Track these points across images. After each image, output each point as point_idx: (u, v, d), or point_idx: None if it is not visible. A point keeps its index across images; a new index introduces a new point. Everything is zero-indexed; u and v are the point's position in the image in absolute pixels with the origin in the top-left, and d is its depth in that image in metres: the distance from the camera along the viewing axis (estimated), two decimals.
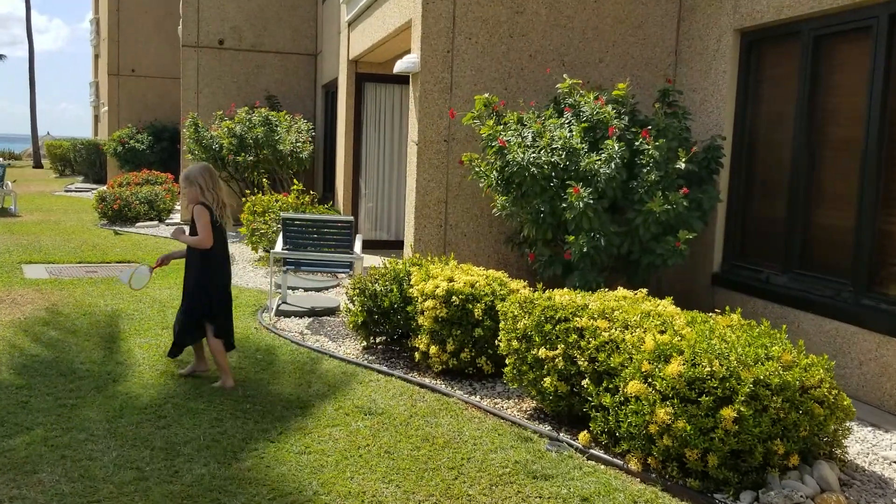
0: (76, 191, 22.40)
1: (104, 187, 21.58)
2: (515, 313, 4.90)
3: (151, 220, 14.48)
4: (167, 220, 14.74)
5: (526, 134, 5.93)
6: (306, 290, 8.75)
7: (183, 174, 5.32)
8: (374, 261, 9.39)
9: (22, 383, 5.16)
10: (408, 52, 9.94)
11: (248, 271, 9.93)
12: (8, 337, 6.27)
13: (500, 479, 4.00)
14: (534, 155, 5.69)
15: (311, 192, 11.10)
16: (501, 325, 5.04)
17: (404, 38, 8.70)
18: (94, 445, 4.23)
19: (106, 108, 23.75)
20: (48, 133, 52.52)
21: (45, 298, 7.69)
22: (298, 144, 12.41)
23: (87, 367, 5.58)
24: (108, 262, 10.15)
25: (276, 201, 10.59)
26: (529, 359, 4.73)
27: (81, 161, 26.56)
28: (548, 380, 4.61)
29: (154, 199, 14.61)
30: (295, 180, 11.17)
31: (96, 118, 37.48)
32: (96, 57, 37.18)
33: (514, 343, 4.85)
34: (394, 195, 11.42)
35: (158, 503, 3.62)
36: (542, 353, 4.63)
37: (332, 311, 7.57)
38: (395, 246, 11.15)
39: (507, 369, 4.95)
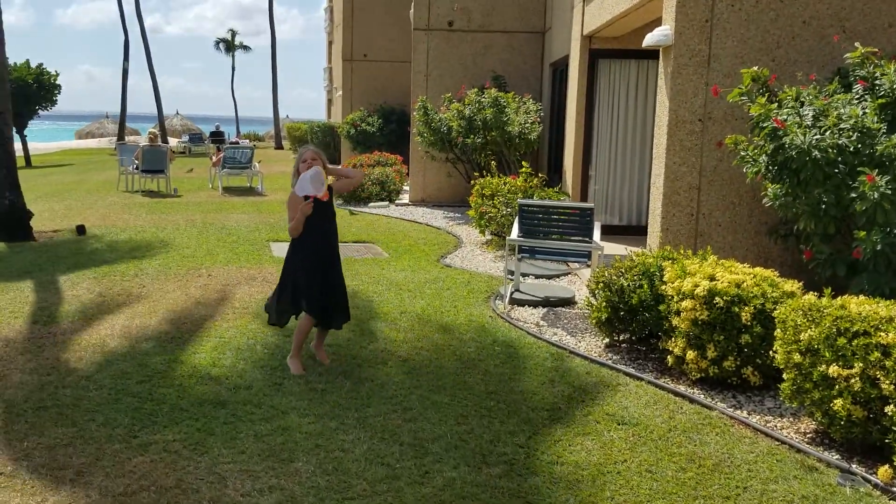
0: None
1: (338, 167, 22.79)
2: (797, 322, 4.24)
3: (382, 200, 14.94)
4: (396, 201, 15.14)
5: (805, 112, 5.16)
6: (537, 277, 8.47)
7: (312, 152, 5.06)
8: (608, 248, 8.89)
9: (275, 364, 5.31)
10: (650, 23, 9.28)
11: (475, 255, 9.85)
12: (260, 314, 6.55)
13: None
14: (817, 137, 4.92)
15: (540, 175, 10.78)
16: (778, 333, 4.40)
17: (648, 8, 8.07)
18: (344, 436, 4.19)
19: (340, 92, 24.99)
20: (287, 116, 56.80)
21: None
22: (527, 125, 12.13)
23: (333, 349, 5.66)
24: (345, 242, 10.49)
25: (505, 184, 10.39)
26: (815, 376, 4.08)
27: (317, 142, 28.24)
28: (839, 402, 3.94)
29: (385, 180, 15.05)
30: (524, 162, 10.90)
31: (329, 101, 39.80)
32: (330, 43, 39.42)
33: (795, 356, 4.20)
34: (626, 178, 10.81)
35: None
36: (833, 370, 3.96)
37: (567, 302, 7.21)
38: (625, 231, 10.57)
39: (784, 385, 4.32)
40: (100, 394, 4.72)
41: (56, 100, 30.37)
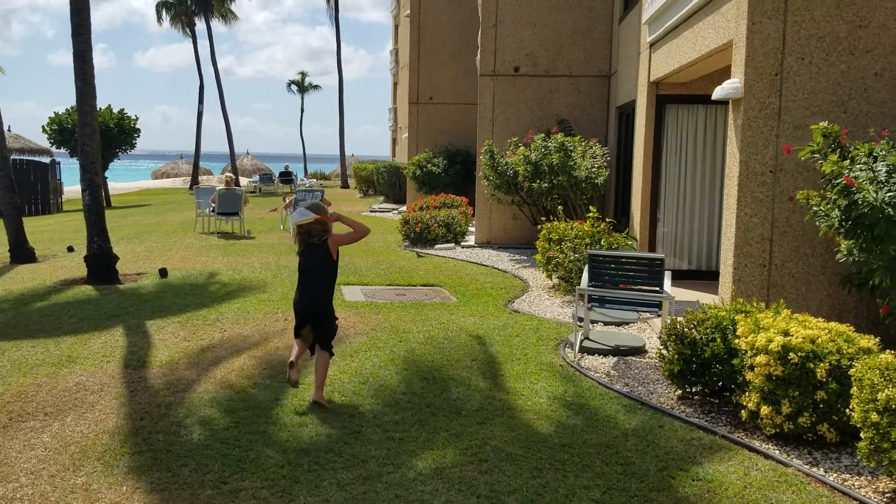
0: (380, 210, 24.33)
1: (404, 207, 23.21)
2: (874, 381, 4.23)
3: (448, 242, 15.18)
4: (462, 243, 15.36)
5: (879, 168, 5.17)
6: (606, 324, 8.51)
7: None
8: (677, 293, 8.89)
9: (352, 412, 5.50)
10: (719, 71, 9.35)
11: (543, 300, 9.94)
12: (335, 361, 6.77)
13: None
14: (890, 193, 4.92)
15: (607, 220, 10.85)
16: (854, 391, 4.39)
17: (716, 58, 8.15)
18: (423, 486, 4.34)
19: (406, 134, 25.53)
20: (353, 154, 58.03)
21: (364, 322, 8.27)
22: (594, 170, 12.23)
23: (407, 397, 5.83)
24: (413, 285, 10.74)
25: (572, 229, 10.49)
26: (893, 436, 4.05)
27: (383, 182, 28.84)
28: None
29: (451, 222, 15.31)
30: (591, 207, 10.99)
31: (394, 141, 40.65)
32: (395, 84, 40.36)
33: (873, 416, 4.19)
34: (695, 223, 10.79)
35: None
36: None
37: (637, 351, 7.24)
38: (694, 276, 10.53)
39: (861, 444, 4.30)
40: (190, 439, 4.98)
41: (135, 143, 31.81)
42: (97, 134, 11.30)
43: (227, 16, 43.46)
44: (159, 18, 43.48)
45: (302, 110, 59.21)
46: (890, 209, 4.91)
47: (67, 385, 6.08)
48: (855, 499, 4.24)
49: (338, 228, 6.07)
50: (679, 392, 5.98)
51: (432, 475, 4.49)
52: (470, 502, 4.16)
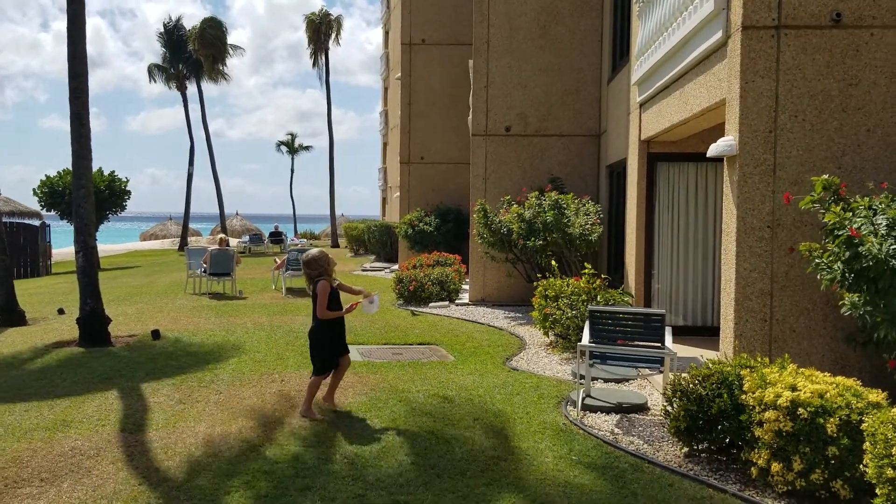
0: (371, 269, 24.31)
1: (396, 266, 23.21)
2: (888, 436, 4.20)
3: (442, 300, 15.14)
4: (456, 300, 15.32)
5: (879, 221, 5.23)
6: (606, 381, 8.45)
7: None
8: (675, 349, 8.85)
9: (356, 474, 5.39)
10: (709, 129, 9.51)
11: (541, 357, 9.88)
12: (335, 420, 6.66)
13: None
14: (893, 247, 4.97)
15: (603, 276, 10.88)
16: (867, 447, 4.34)
17: (707, 117, 8.30)
18: None
19: (397, 193, 25.71)
20: (342, 214, 58.30)
21: (363, 383, 8.16)
22: (587, 227, 12.32)
23: (411, 458, 5.72)
24: (409, 344, 10.66)
25: (568, 286, 10.50)
26: None
27: (374, 241, 28.88)
28: None
29: (445, 280, 15.30)
30: (586, 263, 11.03)
31: (384, 200, 40.92)
32: (385, 145, 40.86)
33: (889, 471, 4.14)
34: (689, 278, 10.83)
35: None
36: None
37: (640, 408, 7.18)
38: (690, 332, 10.52)
39: (877, 501, 4.24)
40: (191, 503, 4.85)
41: (126, 205, 31.87)
42: (92, 196, 11.30)
43: (218, 77, 44.04)
44: (151, 78, 44.04)
45: (292, 171, 59.63)
46: (894, 261, 4.95)
47: (63, 450, 5.93)
48: None
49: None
50: (686, 449, 5.90)
51: None
52: None
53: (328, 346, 7.01)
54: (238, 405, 7.23)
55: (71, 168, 11.28)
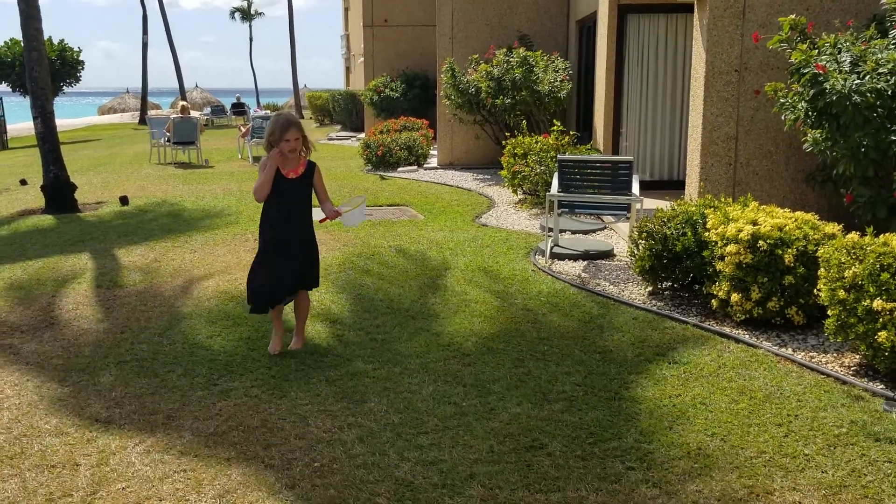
0: (337, 139, 24.01)
1: (363, 135, 22.93)
2: (842, 260, 4.41)
3: (410, 164, 15.10)
4: (425, 165, 15.30)
5: (843, 59, 5.27)
6: (573, 232, 8.64)
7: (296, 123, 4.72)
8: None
9: (333, 318, 5.56)
10: None
11: (510, 213, 10.02)
12: None
13: (838, 440, 3.64)
14: (857, 82, 5.03)
15: (572, 133, 10.89)
16: (822, 272, 4.57)
17: None
18: (410, 379, 4.44)
19: (360, 59, 25.03)
20: (305, 86, 56.79)
21: (335, 239, 8.26)
22: (557, 84, 12.20)
23: (385, 303, 5.90)
24: (379, 206, 10.72)
25: (537, 143, 10.52)
26: (859, 311, 4.25)
27: (340, 111, 28.36)
28: (883, 334, 4.12)
29: (412, 144, 15.20)
30: (555, 121, 11.01)
31: (347, 69, 39.81)
32: (346, 10, 39.32)
33: (840, 293, 4.37)
34: (657, 134, 10.90)
35: (482, 438, 3.72)
36: (878, 304, 4.14)
37: (606, 255, 7.39)
38: (657, 186, 10.68)
39: (828, 321, 4.50)
40: (174, 348, 5.00)
41: (80, 76, 30.73)
42: (45, 59, 10.88)
43: None
44: None
45: (251, 40, 57.53)
46: (856, 97, 5.03)
47: (41, 305, 6.01)
48: (822, 373, 4.46)
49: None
50: (650, 288, 6.15)
51: (418, 369, 4.59)
52: (456, 391, 4.28)
53: (267, 267, 4.76)
54: (213, 262, 7.31)
55: (21, 35, 10.79)
